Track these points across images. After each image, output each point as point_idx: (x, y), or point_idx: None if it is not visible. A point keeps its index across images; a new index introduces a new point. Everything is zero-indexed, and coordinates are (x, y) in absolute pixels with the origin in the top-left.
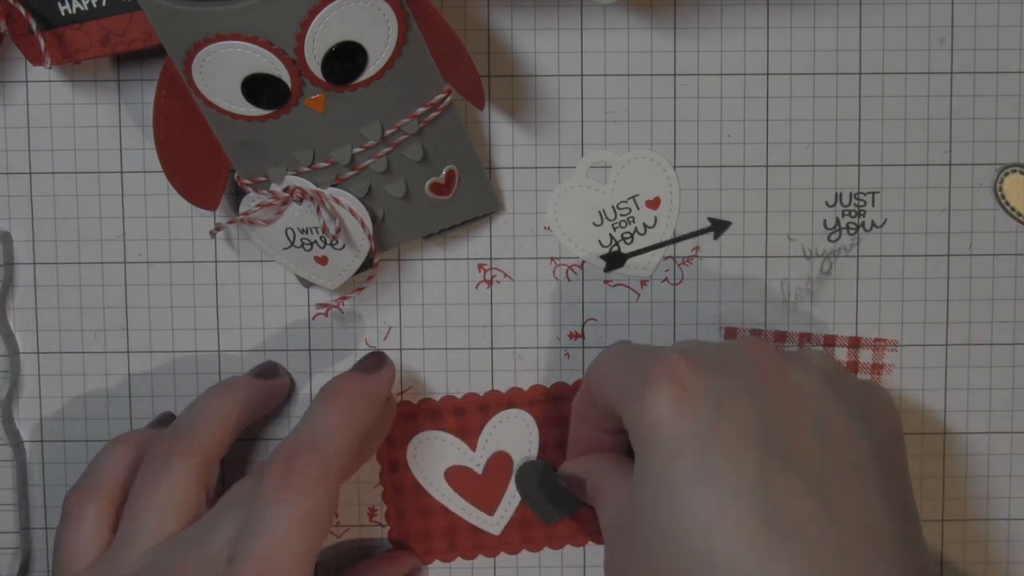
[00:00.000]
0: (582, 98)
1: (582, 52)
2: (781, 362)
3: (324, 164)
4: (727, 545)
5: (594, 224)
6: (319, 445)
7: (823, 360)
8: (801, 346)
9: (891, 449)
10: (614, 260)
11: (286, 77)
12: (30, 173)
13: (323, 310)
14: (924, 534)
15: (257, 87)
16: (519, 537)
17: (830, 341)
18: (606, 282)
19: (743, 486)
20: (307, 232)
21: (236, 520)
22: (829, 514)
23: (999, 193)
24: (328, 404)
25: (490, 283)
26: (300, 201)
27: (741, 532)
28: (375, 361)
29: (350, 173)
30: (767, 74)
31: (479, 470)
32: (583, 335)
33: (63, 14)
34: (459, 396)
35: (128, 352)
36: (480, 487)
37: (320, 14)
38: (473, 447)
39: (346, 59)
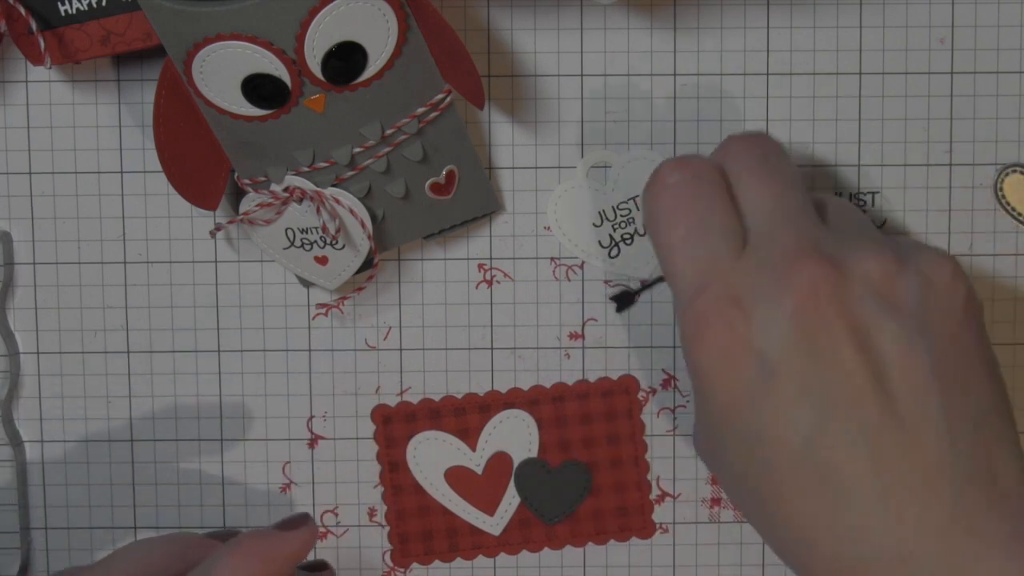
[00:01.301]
0: (582, 98)
1: (582, 52)
2: (836, 305)
3: (324, 164)
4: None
5: (594, 224)
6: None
7: (873, 270)
8: None
9: (955, 344)
10: (624, 300)
11: (286, 77)
12: (30, 173)
13: (323, 310)
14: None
15: (257, 87)
16: (519, 537)
17: None
18: (606, 282)
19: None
20: (307, 232)
21: None
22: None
23: (999, 193)
24: (224, 555)
25: (490, 283)
26: (300, 201)
27: None
28: (293, 521)
29: (350, 173)
30: (767, 74)
31: (479, 470)
32: (583, 335)
33: (63, 14)
34: (459, 396)
35: (128, 352)
36: (480, 487)
37: (320, 14)
38: (473, 447)
39: (346, 59)
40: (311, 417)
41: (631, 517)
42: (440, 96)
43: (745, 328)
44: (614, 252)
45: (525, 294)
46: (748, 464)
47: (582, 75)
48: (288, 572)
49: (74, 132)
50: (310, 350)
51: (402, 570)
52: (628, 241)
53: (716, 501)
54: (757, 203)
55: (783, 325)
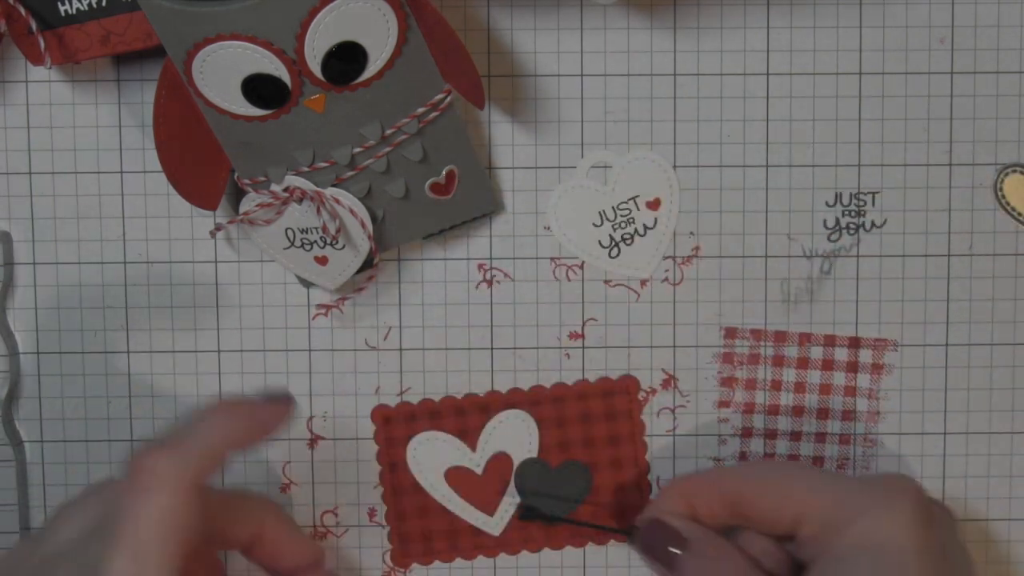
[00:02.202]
0: (582, 98)
1: (582, 52)
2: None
3: (324, 164)
4: None
5: (594, 224)
6: (179, 445)
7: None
8: (801, 346)
9: None
10: (530, 513)
11: (286, 77)
12: (30, 173)
13: (323, 310)
14: None
15: (257, 87)
16: (519, 537)
17: (830, 341)
18: (606, 282)
19: None
20: (307, 232)
21: (89, 520)
22: None
23: (999, 193)
24: (210, 411)
25: (490, 283)
26: (300, 201)
27: None
28: (280, 396)
29: (350, 173)
30: (767, 74)
31: (479, 470)
32: (583, 335)
33: (63, 14)
34: (459, 396)
35: (128, 352)
36: (480, 487)
37: (320, 14)
38: (473, 447)
39: (346, 59)
40: (311, 417)
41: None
42: (440, 96)
43: (938, 509)
44: (614, 252)
45: (525, 294)
46: None
47: (582, 75)
48: (260, 438)
49: (74, 132)
50: (310, 350)
51: (402, 570)
52: (628, 241)
53: None
54: None
55: None
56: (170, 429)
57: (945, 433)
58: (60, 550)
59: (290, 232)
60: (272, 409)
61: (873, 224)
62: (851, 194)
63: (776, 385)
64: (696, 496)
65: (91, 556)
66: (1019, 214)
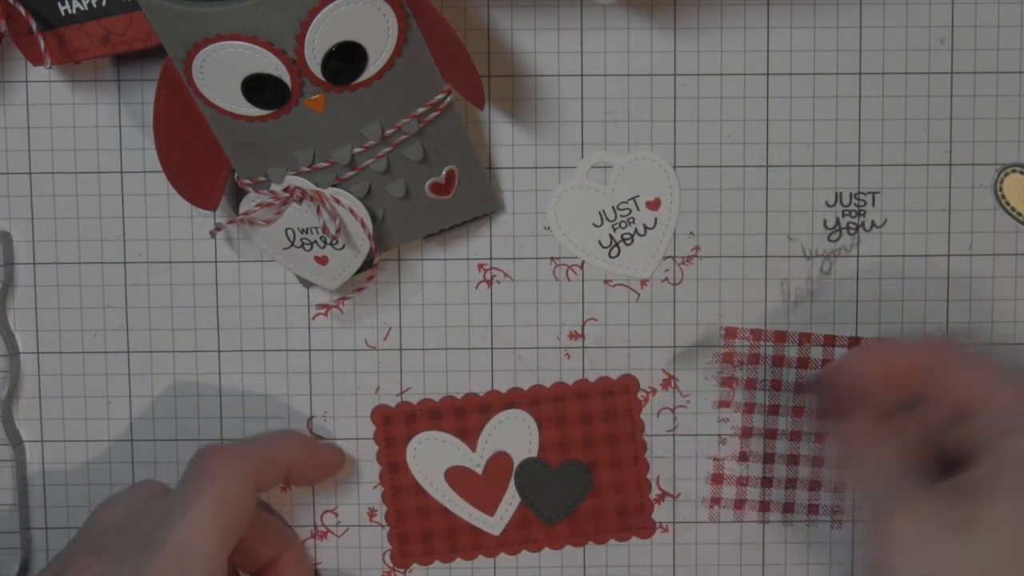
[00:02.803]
0: (582, 98)
1: (582, 52)
2: None
3: (324, 164)
4: None
5: (594, 224)
6: (246, 446)
7: None
8: (801, 346)
9: None
10: None
11: (286, 77)
12: (30, 173)
13: (323, 310)
14: None
15: (257, 87)
16: (519, 537)
17: (830, 341)
18: (606, 282)
19: None
20: (307, 232)
21: (135, 504)
22: None
23: (999, 193)
24: (277, 432)
25: (490, 283)
26: (300, 201)
27: None
28: (335, 447)
29: (350, 173)
30: (767, 74)
31: (479, 470)
32: (583, 335)
33: (63, 14)
34: (459, 396)
35: (128, 352)
36: (480, 487)
37: (320, 14)
38: (473, 447)
39: (346, 59)
40: (311, 417)
41: (631, 516)
42: (440, 96)
43: None
44: (614, 252)
45: (525, 294)
46: None
47: (582, 75)
48: (315, 475)
49: (74, 132)
50: (310, 350)
51: (402, 570)
52: (628, 241)
53: (716, 501)
54: None
55: None
56: (240, 438)
57: None
58: (114, 521)
59: (290, 232)
60: (330, 451)
61: (873, 224)
62: (851, 194)
63: (776, 385)
64: (892, 362)
65: (151, 523)
66: (1019, 214)
